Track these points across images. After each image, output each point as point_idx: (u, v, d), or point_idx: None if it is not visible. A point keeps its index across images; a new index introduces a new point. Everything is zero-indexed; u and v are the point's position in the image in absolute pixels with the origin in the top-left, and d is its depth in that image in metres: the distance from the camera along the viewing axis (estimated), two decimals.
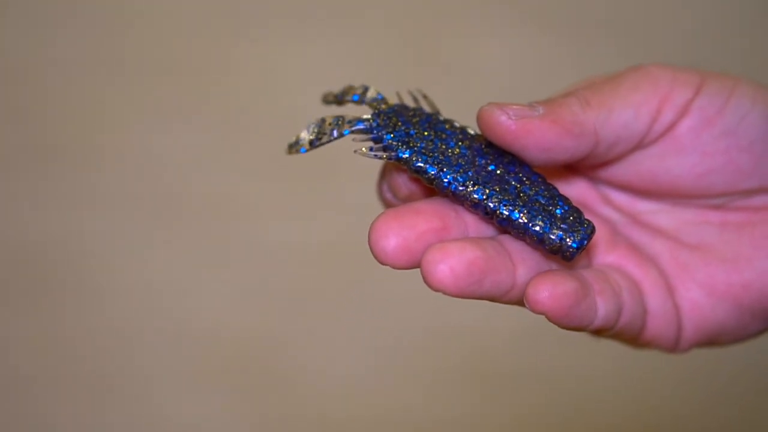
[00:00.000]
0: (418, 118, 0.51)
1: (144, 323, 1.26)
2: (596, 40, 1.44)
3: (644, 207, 0.54)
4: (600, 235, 0.53)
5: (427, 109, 0.52)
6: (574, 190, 0.54)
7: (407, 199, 0.52)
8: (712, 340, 0.54)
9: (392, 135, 0.51)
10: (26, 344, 1.24)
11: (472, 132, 0.51)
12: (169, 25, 1.44)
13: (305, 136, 0.52)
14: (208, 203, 1.33)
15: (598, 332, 0.52)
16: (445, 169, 0.49)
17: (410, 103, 0.53)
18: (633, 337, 0.53)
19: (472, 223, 0.50)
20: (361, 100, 0.53)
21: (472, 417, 1.21)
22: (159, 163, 1.35)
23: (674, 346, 0.54)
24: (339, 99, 0.53)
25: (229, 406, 1.22)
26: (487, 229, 0.51)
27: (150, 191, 1.34)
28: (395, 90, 0.54)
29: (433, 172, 0.50)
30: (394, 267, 0.48)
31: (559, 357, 1.22)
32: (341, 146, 0.52)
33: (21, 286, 1.27)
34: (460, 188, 0.49)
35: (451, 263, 0.47)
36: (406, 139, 0.50)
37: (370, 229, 0.48)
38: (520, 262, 0.49)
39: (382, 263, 0.48)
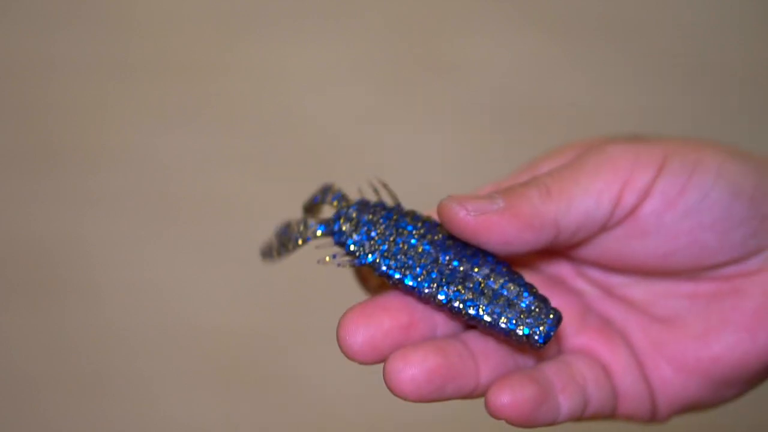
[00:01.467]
0: (379, 215, 0.51)
1: (144, 323, 1.26)
2: (596, 41, 1.44)
3: (617, 280, 0.54)
4: (571, 315, 0.53)
5: (387, 200, 0.52)
6: (550, 264, 0.55)
7: (379, 288, 0.53)
8: (689, 410, 0.54)
9: (353, 240, 0.51)
10: (27, 344, 1.25)
11: (434, 222, 0.51)
12: (170, 28, 1.44)
13: (274, 243, 0.52)
14: (208, 204, 1.33)
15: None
16: (408, 273, 0.50)
17: (371, 195, 0.53)
18: (607, 416, 0.53)
19: (440, 317, 0.51)
20: (321, 201, 0.53)
21: (471, 417, 1.22)
22: (160, 164, 1.36)
23: (651, 418, 0.54)
24: (314, 203, 0.54)
25: (229, 406, 1.22)
26: (455, 323, 0.51)
27: (151, 192, 1.34)
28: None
29: (397, 276, 0.50)
30: (361, 363, 0.49)
31: None
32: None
33: (22, 286, 1.28)
34: (425, 291, 0.50)
35: (412, 372, 0.48)
36: (369, 243, 0.51)
37: (339, 324, 0.49)
38: (484, 360, 0.50)
39: (350, 359, 0.49)
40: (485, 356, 0.50)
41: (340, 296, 1.28)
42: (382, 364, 0.49)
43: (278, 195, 1.34)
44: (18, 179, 1.34)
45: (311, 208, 0.54)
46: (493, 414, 0.49)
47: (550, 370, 0.51)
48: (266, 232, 1.33)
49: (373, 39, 1.44)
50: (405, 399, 0.48)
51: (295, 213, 1.34)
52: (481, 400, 0.48)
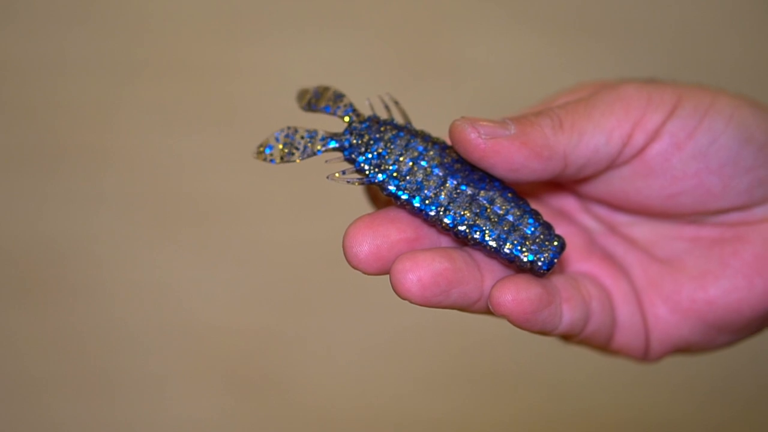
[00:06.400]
0: (390, 134, 0.51)
1: (151, 323, 1.26)
2: (595, 41, 1.44)
3: (622, 218, 0.54)
4: (576, 243, 0.53)
5: (398, 118, 0.52)
6: (558, 198, 0.55)
7: (388, 204, 0.53)
8: (681, 351, 0.54)
9: (364, 158, 0.51)
10: (35, 343, 1.25)
11: (444, 144, 0.51)
12: (177, 31, 1.45)
13: (276, 144, 0.52)
14: (216, 204, 1.34)
15: (565, 337, 0.52)
16: (416, 195, 0.50)
17: (382, 112, 0.53)
18: (601, 344, 0.53)
19: (444, 234, 0.51)
20: (332, 112, 0.52)
21: (472, 416, 1.22)
22: (169, 165, 1.36)
23: (643, 356, 0.54)
24: (312, 107, 0.53)
25: (235, 405, 1.23)
26: (460, 244, 0.51)
27: (159, 193, 1.34)
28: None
29: (405, 198, 0.50)
30: (365, 272, 0.49)
31: (555, 358, 1.22)
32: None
33: (30, 285, 1.28)
34: (432, 214, 0.50)
35: (419, 273, 0.48)
36: (379, 162, 0.51)
37: (345, 234, 0.49)
38: (489, 272, 0.50)
39: (354, 268, 0.49)
40: (490, 269, 0.50)
41: (339, 297, 1.28)
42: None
43: (280, 195, 1.34)
44: (27, 180, 1.34)
45: (309, 104, 0.53)
46: (495, 310, 0.48)
47: (558, 280, 0.51)
48: (270, 234, 1.33)
49: (373, 40, 1.44)
50: (410, 301, 0.48)
51: (297, 211, 1.34)
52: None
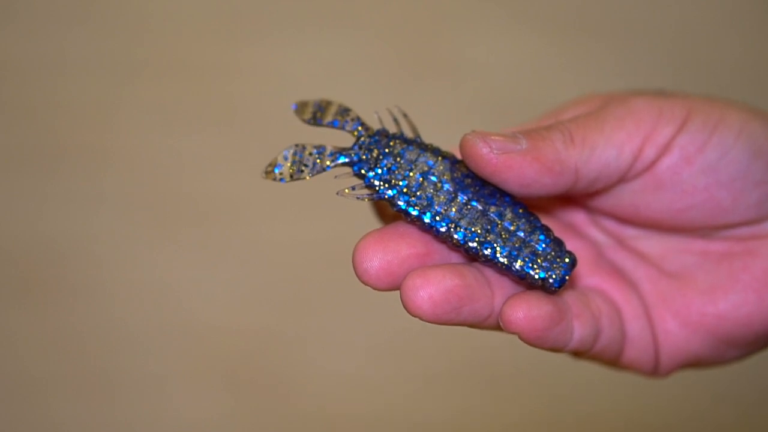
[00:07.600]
0: (399, 148, 0.51)
1: (151, 323, 1.27)
2: (595, 41, 1.45)
3: (631, 232, 0.54)
4: (585, 257, 0.53)
5: (407, 131, 0.52)
6: (566, 211, 0.55)
7: (396, 218, 0.52)
8: (691, 365, 0.54)
9: (374, 173, 0.50)
10: (35, 343, 1.25)
11: (454, 158, 0.51)
12: (177, 30, 1.45)
13: (284, 163, 0.51)
14: (211, 204, 1.34)
15: (575, 354, 0.52)
16: (426, 212, 0.49)
17: (390, 125, 0.52)
18: (611, 360, 0.53)
19: (455, 250, 0.50)
20: (340, 126, 0.52)
21: (472, 417, 1.22)
22: (169, 165, 1.36)
23: (653, 371, 0.54)
24: (318, 121, 0.52)
25: (235, 405, 1.23)
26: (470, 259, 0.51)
27: (160, 192, 1.34)
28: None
29: (415, 214, 0.49)
30: (375, 288, 0.48)
31: (558, 362, 1.22)
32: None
33: (31, 285, 1.28)
34: (442, 230, 0.49)
35: (430, 291, 0.48)
36: (388, 177, 0.50)
37: (355, 249, 0.48)
38: (500, 288, 0.50)
39: (364, 284, 0.48)
40: (501, 286, 0.50)
41: (339, 297, 1.28)
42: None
43: (280, 195, 1.35)
44: (27, 180, 1.34)
45: (315, 118, 0.52)
46: (507, 327, 0.48)
47: (569, 297, 0.51)
48: (270, 234, 1.33)
49: (373, 40, 1.44)
50: (421, 318, 0.48)
51: (297, 211, 1.34)
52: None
